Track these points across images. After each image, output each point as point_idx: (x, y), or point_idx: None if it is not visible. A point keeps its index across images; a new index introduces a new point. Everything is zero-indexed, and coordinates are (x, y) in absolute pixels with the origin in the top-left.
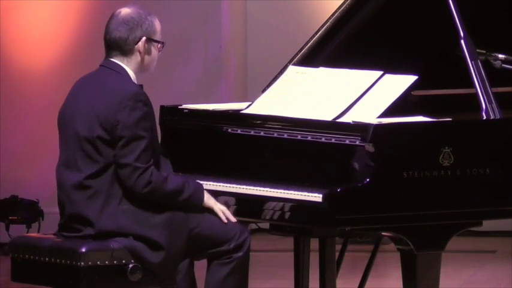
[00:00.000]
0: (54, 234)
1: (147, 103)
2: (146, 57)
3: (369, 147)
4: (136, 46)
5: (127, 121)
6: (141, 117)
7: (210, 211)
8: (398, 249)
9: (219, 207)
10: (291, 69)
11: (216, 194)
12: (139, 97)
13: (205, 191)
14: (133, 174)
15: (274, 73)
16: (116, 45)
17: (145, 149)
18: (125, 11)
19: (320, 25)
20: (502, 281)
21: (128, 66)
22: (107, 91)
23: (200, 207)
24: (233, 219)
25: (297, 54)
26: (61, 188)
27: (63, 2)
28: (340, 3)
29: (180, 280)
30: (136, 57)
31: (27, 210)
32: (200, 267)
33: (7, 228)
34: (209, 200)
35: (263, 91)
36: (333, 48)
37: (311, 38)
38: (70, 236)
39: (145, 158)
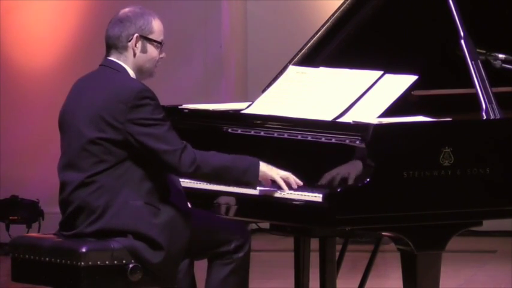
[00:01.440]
0: (54, 234)
1: (153, 97)
2: (140, 55)
3: (369, 148)
4: (129, 43)
5: (139, 119)
6: (152, 111)
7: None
8: (398, 249)
9: (281, 176)
10: (291, 69)
11: (216, 194)
12: (144, 94)
13: (263, 164)
14: (173, 157)
15: (274, 73)
16: (111, 43)
17: (169, 130)
18: (123, 10)
19: (320, 25)
20: (502, 281)
21: (126, 64)
22: (109, 90)
23: (256, 185)
24: (300, 183)
25: (297, 54)
26: (64, 188)
27: (63, 2)
28: (340, 3)
29: (180, 280)
30: (130, 55)
31: (28, 210)
32: (200, 267)
33: (7, 228)
34: (270, 172)
35: (263, 91)
36: (333, 48)
37: (311, 38)
38: (70, 234)
39: (176, 138)
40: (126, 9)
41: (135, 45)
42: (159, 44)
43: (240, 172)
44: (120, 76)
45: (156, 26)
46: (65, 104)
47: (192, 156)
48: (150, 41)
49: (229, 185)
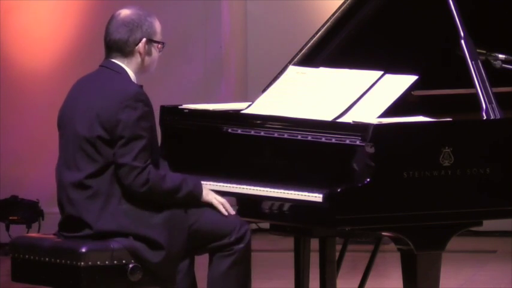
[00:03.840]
0: (54, 234)
1: (147, 103)
2: (147, 58)
3: (369, 148)
4: (136, 47)
5: (127, 120)
6: (141, 117)
7: (210, 206)
8: (398, 249)
9: (218, 201)
10: (291, 69)
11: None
12: (139, 97)
13: (203, 187)
14: (131, 174)
15: (274, 73)
16: (116, 47)
17: (144, 148)
18: (124, 12)
19: (320, 25)
20: (502, 281)
21: (128, 67)
22: (107, 91)
23: (199, 203)
24: (232, 212)
25: (297, 54)
26: (61, 188)
27: (63, 2)
28: (340, 3)
29: (180, 280)
30: (136, 59)
31: (28, 210)
32: (200, 267)
33: (7, 228)
34: (208, 195)
35: (263, 91)
36: (333, 48)
37: (311, 38)
38: (70, 236)
39: (144, 158)
40: (128, 12)
41: (143, 50)
42: (162, 44)
43: (185, 194)
44: (120, 78)
45: (158, 27)
46: (63, 104)
47: (145, 178)
48: (155, 42)
49: (176, 204)
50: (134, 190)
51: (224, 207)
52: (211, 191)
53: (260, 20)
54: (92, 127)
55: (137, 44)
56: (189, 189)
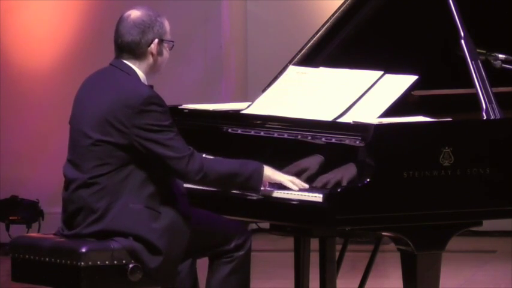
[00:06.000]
0: (54, 234)
1: (161, 104)
2: (159, 58)
3: (369, 148)
4: (149, 49)
5: (145, 124)
6: (159, 117)
7: (281, 185)
8: (398, 249)
9: (287, 179)
10: (291, 69)
11: (216, 194)
12: (152, 100)
13: (267, 168)
14: (180, 164)
15: (274, 73)
16: (128, 49)
17: (176, 137)
18: (134, 13)
19: (320, 25)
20: (502, 281)
21: (139, 69)
22: (117, 93)
23: (259, 190)
24: (305, 185)
25: (297, 54)
26: (66, 187)
27: (63, 2)
28: (340, 3)
29: (182, 279)
30: (148, 60)
31: (28, 210)
32: (202, 266)
33: (7, 228)
34: (274, 175)
35: (263, 91)
36: (333, 48)
37: (311, 38)
38: (70, 234)
39: (183, 146)
40: (138, 13)
41: (155, 50)
42: (172, 43)
43: (244, 178)
44: (130, 79)
45: (167, 26)
46: (74, 103)
47: (199, 163)
48: (166, 42)
49: (234, 190)
50: (191, 180)
51: (295, 185)
52: (278, 171)
53: (260, 20)
54: (104, 131)
55: (149, 45)
56: (249, 172)
